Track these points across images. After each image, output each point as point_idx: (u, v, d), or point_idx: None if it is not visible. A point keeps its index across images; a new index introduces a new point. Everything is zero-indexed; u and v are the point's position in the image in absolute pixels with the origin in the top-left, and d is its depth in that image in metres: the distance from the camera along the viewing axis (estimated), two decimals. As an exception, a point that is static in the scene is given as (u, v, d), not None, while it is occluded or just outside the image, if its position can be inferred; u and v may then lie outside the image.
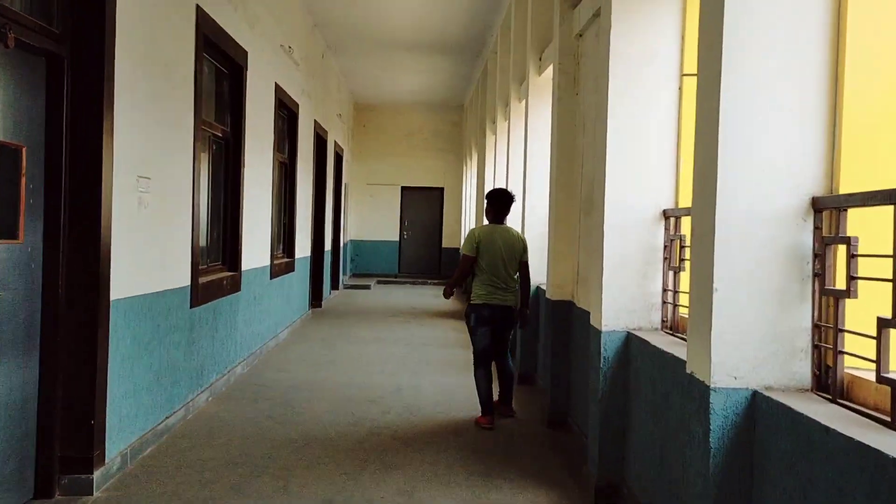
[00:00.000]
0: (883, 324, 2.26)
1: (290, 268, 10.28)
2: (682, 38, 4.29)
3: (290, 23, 9.86)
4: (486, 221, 6.18)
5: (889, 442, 2.02)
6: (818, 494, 2.23)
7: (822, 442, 2.23)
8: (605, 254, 4.26)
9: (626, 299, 4.26)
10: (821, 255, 2.67)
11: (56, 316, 4.09)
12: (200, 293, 6.05)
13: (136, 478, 4.50)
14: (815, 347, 2.70)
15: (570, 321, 5.84)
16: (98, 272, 4.21)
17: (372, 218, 20.78)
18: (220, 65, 6.93)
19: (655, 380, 3.73)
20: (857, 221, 2.59)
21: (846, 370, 2.57)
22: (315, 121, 12.27)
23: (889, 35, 2.77)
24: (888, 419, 2.22)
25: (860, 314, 2.54)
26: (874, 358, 2.30)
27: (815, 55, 2.75)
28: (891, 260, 2.21)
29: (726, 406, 2.70)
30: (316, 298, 13.26)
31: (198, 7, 5.82)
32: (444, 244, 20.89)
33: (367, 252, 20.82)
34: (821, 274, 2.67)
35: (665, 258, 4.25)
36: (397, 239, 20.95)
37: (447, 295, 6.29)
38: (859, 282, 2.46)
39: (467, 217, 17.30)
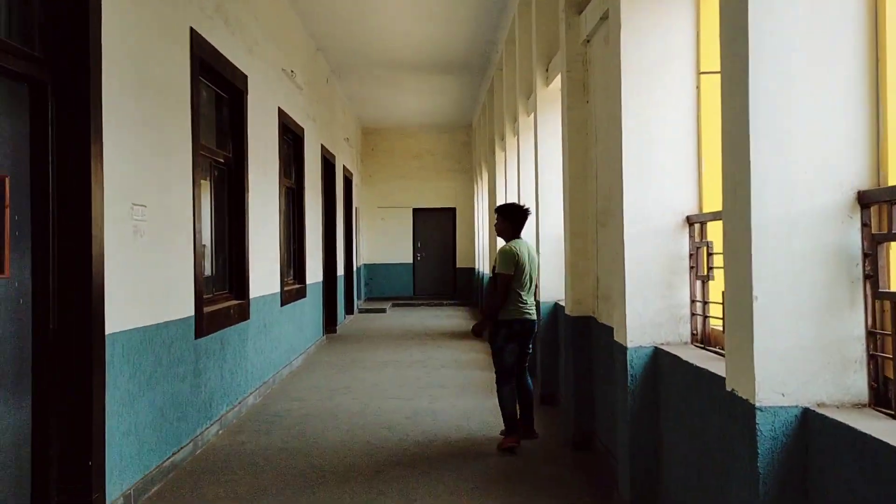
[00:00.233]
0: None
1: (301, 294, 10.06)
2: (697, 34, 4.05)
3: (291, 47, 9.73)
4: (498, 238, 5.95)
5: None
6: (890, 526, 1.95)
7: (890, 466, 1.95)
8: (626, 266, 4.00)
9: (652, 313, 3.99)
10: (871, 255, 2.40)
11: (48, 353, 3.87)
12: (206, 323, 5.83)
13: (140, 522, 4.26)
14: (871, 357, 2.42)
15: (591, 337, 5.57)
16: (91, 305, 3.99)
17: (385, 241, 20.57)
18: (218, 89, 6.77)
19: (689, 398, 3.45)
20: (911, 215, 2.33)
21: (908, 382, 2.29)
22: (322, 145, 12.11)
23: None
24: (966, 437, 1.94)
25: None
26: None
27: (852, 39, 2.50)
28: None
29: (774, 426, 2.42)
30: (330, 324, 13.04)
31: (192, 30, 5.65)
32: (459, 264, 20.64)
33: (381, 275, 20.60)
34: (872, 276, 2.40)
35: (691, 267, 3.98)
36: (411, 261, 20.72)
37: (481, 330, 5.85)
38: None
39: (480, 236, 17.06)
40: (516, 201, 6.62)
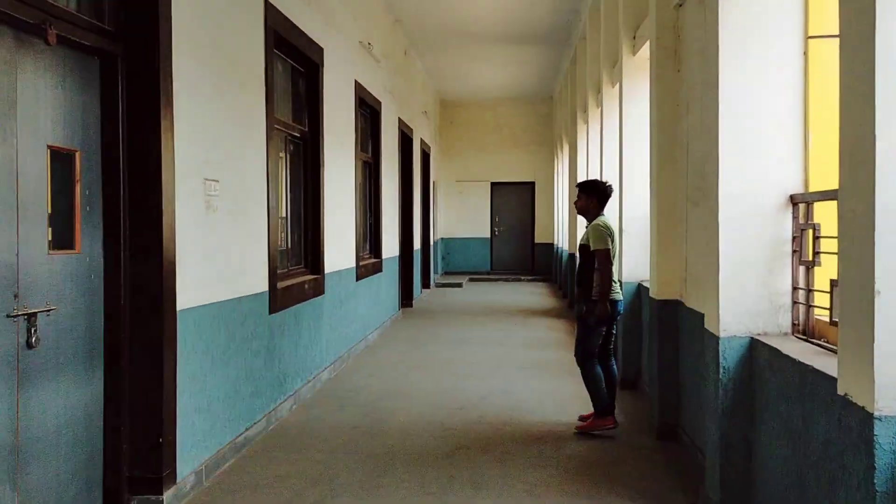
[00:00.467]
0: None
1: (377, 268, 10.01)
2: (806, -7, 3.66)
3: (368, 18, 9.57)
4: (579, 216, 5.66)
5: None
6: None
7: None
8: (720, 248, 3.67)
9: (749, 300, 3.66)
10: None
11: (119, 329, 3.85)
12: (280, 298, 5.78)
13: (210, 497, 4.23)
14: None
15: (677, 323, 5.24)
16: (163, 281, 3.95)
17: (462, 215, 20.40)
18: (294, 62, 6.66)
19: (791, 397, 3.13)
20: None
21: None
22: (399, 118, 11.96)
23: None
24: None
25: None
26: None
27: None
28: None
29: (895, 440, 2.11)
30: (406, 298, 13.00)
31: (266, 1, 5.53)
32: (537, 240, 20.28)
33: (458, 250, 20.47)
34: None
35: (794, 251, 3.62)
36: (489, 236, 20.49)
37: (603, 315, 5.33)
38: None
39: (560, 211, 16.66)
40: (598, 178, 6.27)
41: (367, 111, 9.82)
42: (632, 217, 6.68)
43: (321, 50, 7.03)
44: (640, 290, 6.64)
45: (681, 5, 5.22)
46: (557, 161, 17.70)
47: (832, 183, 3.51)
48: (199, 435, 4.41)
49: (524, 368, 7.82)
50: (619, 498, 4.21)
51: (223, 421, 4.76)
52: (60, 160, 3.52)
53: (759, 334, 3.65)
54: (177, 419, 4.12)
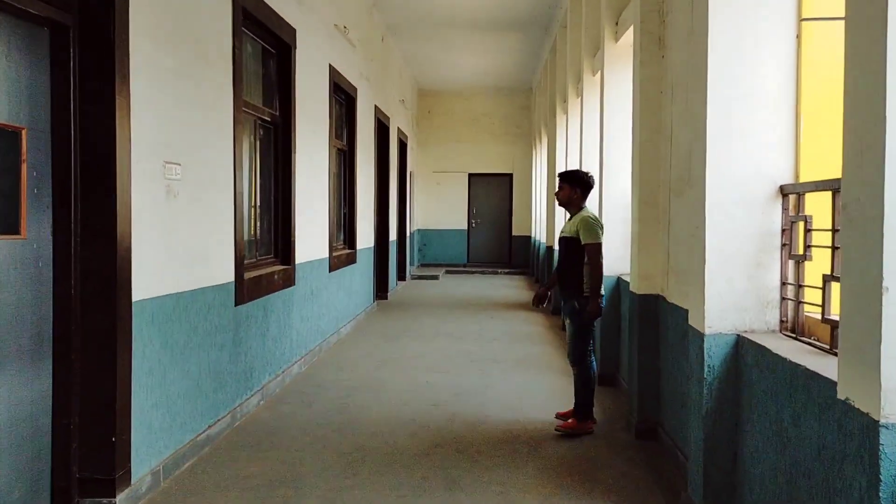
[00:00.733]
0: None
1: (351, 259, 9.77)
2: (799, -26, 3.49)
3: (344, 1, 9.29)
4: (561, 208, 5.49)
5: None
6: None
7: None
8: (707, 240, 3.50)
9: (735, 295, 3.50)
10: None
11: (69, 320, 3.60)
12: (247, 289, 5.54)
13: (167, 499, 4.00)
14: None
15: (658, 318, 5.08)
16: (117, 269, 3.70)
17: (439, 206, 20.17)
18: (264, 43, 6.39)
19: (780, 398, 2.97)
20: None
21: None
22: (376, 106, 11.70)
23: None
24: None
25: None
26: None
27: None
28: None
29: (904, 449, 1.95)
30: (381, 290, 12.77)
31: (235, -25, 5.28)
32: (514, 232, 20.12)
33: (434, 241, 20.25)
34: None
35: (783, 244, 3.46)
36: (465, 227, 20.30)
37: (598, 311, 5.17)
38: None
39: (538, 204, 16.50)
40: (579, 168, 6.06)
41: (342, 97, 9.56)
42: (612, 208, 6.51)
43: (293, 31, 6.77)
44: (620, 283, 6.48)
45: (666, -10, 5.04)
46: (536, 153, 17.53)
47: (824, 173, 3.36)
48: (156, 433, 4.17)
49: (500, 363, 7.65)
50: (597, 500, 4.04)
51: (183, 418, 4.52)
52: (5, 138, 3.26)
53: (745, 331, 3.49)
54: (132, 417, 3.88)
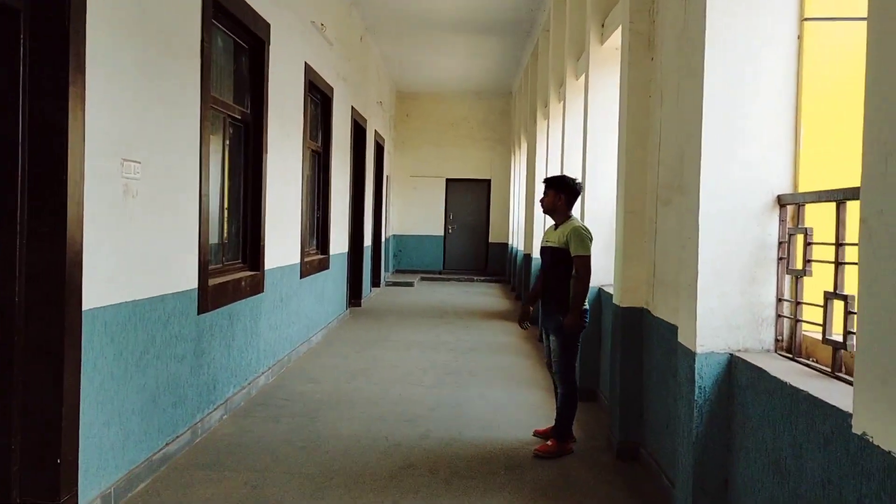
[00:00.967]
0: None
1: (324, 265, 9.48)
2: (800, -29, 3.31)
3: (322, -2, 9.04)
4: (544, 213, 5.25)
5: None
6: None
7: None
8: (699, 253, 3.29)
9: (729, 312, 3.29)
10: None
11: (11, 329, 3.31)
12: (211, 297, 5.25)
13: (118, 525, 3.71)
14: None
15: (643, 332, 4.87)
16: (66, 275, 3.40)
17: (415, 212, 19.91)
18: (236, 37, 6.11)
19: (778, 424, 2.76)
20: None
21: None
22: (353, 107, 11.44)
23: None
24: None
25: None
26: None
27: None
28: None
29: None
30: (355, 297, 12.48)
31: (204, -35, 5.00)
32: (492, 239, 19.92)
33: (410, 247, 19.99)
34: None
35: (780, 258, 3.27)
36: (442, 233, 20.05)
37: (577, 327, 4.95)
38: None
39: (516, 211, 16.32)
40: (565, 173, 5.79)
41: (318, 97, 9.28)
42: (595, 216, 6.30)
43: (268, 25, 6.50)
44: (602, 295, 6.27)
45: (655, -10, 4.85)
46: (515, 159, 17.35)
47: (822, 182, 3.17)
48: (107, 453, 3.87)
49: (476, 375, 7.41)
50: (579, 526, 3.81)
51: (138, 435, 4.22)
52: (-64, 130, 2.97)
53: (738, 350, 3.29)
54: (80, 435, 3.58)
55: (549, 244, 5.10)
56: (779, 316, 3.27)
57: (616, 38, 6.15)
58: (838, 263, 2.75)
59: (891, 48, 1.89)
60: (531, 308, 5.45)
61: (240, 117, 6.18)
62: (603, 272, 6.21)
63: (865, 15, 3.39)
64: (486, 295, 15.49)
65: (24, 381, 3.37)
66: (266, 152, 6.55)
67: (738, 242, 3.29)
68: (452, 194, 20.05)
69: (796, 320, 3.14)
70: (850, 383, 2.59)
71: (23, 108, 3.32)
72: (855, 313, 2.64)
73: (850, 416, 2.16)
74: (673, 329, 4.03)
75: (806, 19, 3.30)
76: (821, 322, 2.89)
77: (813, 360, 3.03)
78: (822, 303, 2.87)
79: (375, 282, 15.13)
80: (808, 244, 3.05)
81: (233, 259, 6.22)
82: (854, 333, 2.65)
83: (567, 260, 4.92)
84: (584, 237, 4.90)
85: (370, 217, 13.91)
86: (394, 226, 19.22)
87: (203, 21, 5.00)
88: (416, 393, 6.57)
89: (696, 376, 3.30)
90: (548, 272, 5.09)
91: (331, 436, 5.24)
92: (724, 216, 3.29)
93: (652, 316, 4.67)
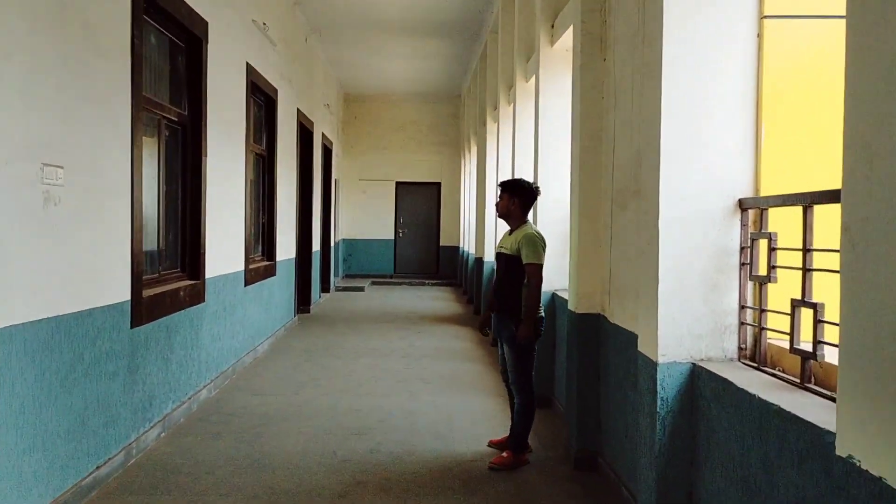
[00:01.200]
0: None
1: (270, 272, 9.17)
2: (757, -32, 3.20)
3: (265, -3, 8.73)
4: (498, 217, 5.08)
5: None
6: None
7: None
8: (660, 260, 3.16)
9: (691, 320, 3.17)
10: None
11: (-89, 354, 2.98)
12: (146, 309, 4.94)
13: (40, 562, 3.40)
14: None
15: (599, 339, 4.74)
16: (-25, 292, 3.10)
17: (365, 215, 19.61)
18: (171, 35, 5.80)
19: (746, 438, 2.63)
20: None
21: None
22: (298, 109, 11.13)
23: None
24: None
25: None
26: None
27: None
28: None
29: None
30: (304, 303, 12.16)
31: (134, -43, 4.70)
32: (442, 242, 19.75)
33: (360, 251, 19.68)
34: None
35: (743, 264, 3.15)
36: (392, 237, 19.80)
37: (531, 336, 4.75)
38: None
39: (466, 214, 16.19)
40: (521, 177, 5.58)
41: (262, 98, 8.97)
42: (547, 221, 6.16)
43: (205, 23, 6.20)
44: (556, 300, 6.14)
45: (607, -11, 4.73)
46: (465, 161, 17.23)
47: (788, 186, 3.07)
48: (29, 481, 3.56)
49: (429, 383, 7.21)
50: (537, 546, 3.64)
51: (65, 460, 3.91)
52: None
53: (701, 360, 3.17)
54: (-6, 465, 3.27)
55: (502, 250, 4.93)
56: (742, 323, 3.15)
57: (567, 39, 6.03)
58: (806, 270, 2.64)
59: (871, 44, 1.76)
60: (491, 314, 5.24)
61: (177, 119, 5.87)
62: (557, 277, 6.09)
63: (825, 13, 3.32)
64: (437, 299, 15.30)
65: (-71, 408, 3.05)
66: (206, 156, 6.24)
67: (699, 248, 3.17)
68: (402, 198, 19.83)
69: (760, 328, 3.03)
70: (823, 396, 2.48)
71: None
72: (826, 322, 2.53)
73: (829, 433, 2.03)
74: (631, 336, 3.90)
75: (765, 17, 3.20)
76: (786, 330, 2.78)
77: (779, 370, 2.92)
78: (788, 310, 2.76)
79: (325, 287, 14.82)
80: (772, 249, 2.93)
81: (171, 268, 5.90)
82: (825, 343, 2.53)
83: (520, 267, 4.75)
84: (536, 244, 4.73)
85: (318, 221, 13.60)
86: (343, 230, 18.91)
87: (133, 16, 4.70)
88: (366, 403, 6.34)
89: (658, 387, 3.16)
90: (501, 279, 4.92)
91: (276, 452, 4.98)
92: (685, 221, 3.17)
93: (609, 322, 4.53)
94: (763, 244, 3.02)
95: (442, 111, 19.47)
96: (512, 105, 8.60)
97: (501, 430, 5.46)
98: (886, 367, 1.66)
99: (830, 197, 2.53)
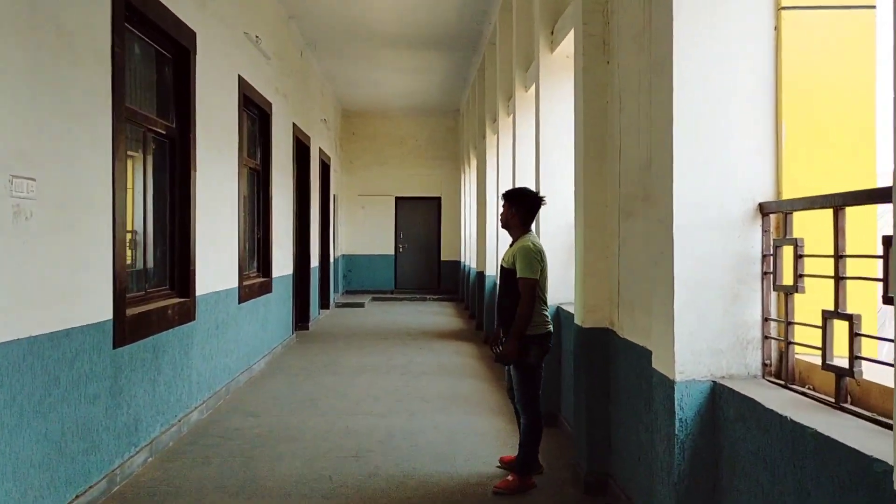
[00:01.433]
0: None
1: (266, 289, 8.93)
2: (775, -44, 2.99)
3: (257, 9, 8.54)
4: (504, 229, 4.84)
5: None
6: None
7: None
8: (675, 270, 2.92)
9: (710, 334, 2.92)
10: None
11: None
12: (130, 328, 4.70)
13: None
14: None
15: (608, 354, 4.49)
16: (-65, 313, 2.86)
17: (365, 231, 19.39)
18: (157, 45, 5.60)
19: (778, 464, 2.38)
20: None
21: None
22: (294, 124, 10.94)
23: None
24: None
25: None
26: None
27: None
28: None
29: None
30: (302, 320, 11.92)
31: (115, -39, 4.50)
32: (443, 257, 19.50)
33: (360, 267, 19.44)
34: None
35: (765, 273, 2.91)
36: (393, 252, 19.57)
37: (514, 355, 4.52)
38: None
39: (468, 228, 15.96)
40: (524, 186, 5.31)
41: (255, 112, 8.77)
42: (551, 231, 5.93)
43: (193, 34, 5.99)
44: (561, 314, 5.89)
45: (610, -11, 4.53)
46: (464, 176, 17.03)
47: (812, 188, 2.84)
48: (-2, 516, 3.31)
49: (430, 401, 6.95)
50: (546, 580, 3.38)
51: (39, 490, 3.66)
52: None
53: (722, 377, 2.92)
54: (-43, 500, 3.02)
55: (503, 264, 4.70)
56: (766, 337, 2.91)
57: (567, 45, 5.83)
58: (839, 278, 2.40)
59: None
60: (500, 330, 4.95)
61: (164, 132, 5.65)
62: (561, 289, 5.84)
63: (845, 3, 3.10)
64: (438, 314, 15.04)
65: None
66: (195, 170, 6.02)
67: (716, 257, 2.93)
68: (402, 213, 19.61)
69: (787, 342, 2.78)
70: (864, 417, 2.23)
71: None
72: (863, 335, 2.28)
73: (879, 461, 1.79)
74: (643, 352, 3.66)
75: (783, 8, 2.98)
76: (816, 344, 2.54)
77: (809, 388, 2.67)
78: (817, 322, 2.52)
79: (324, 303, 14.57)
80: (798, 257, 2.70)
81: (159, 285, 5.67)
82: (863, 359, 2.29)
83: (516, 282, 4.52)
84: (530, 257, 4.48)
85: (317, 237, 13.38)
86: (343, 246, 18.68)
87: (114, 24, 4.49)
88: (364, 424, 6.08)
89: (676, 407, 2.91)
90: (502, 295, 4.68)
91: (268, 477, 4.72)
92: (700, 228, 2.94)
93: (618, 337, 4.29)
94: (787, 251, 2.78)
95: (441, 125, 19.31)
96: (511, 116, 8.39)
97: (507, 450, 5.21)
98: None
99: (865, 197, 2.30)
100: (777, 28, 2.97)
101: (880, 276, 2.21)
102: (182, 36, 5.76)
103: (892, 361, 2.01)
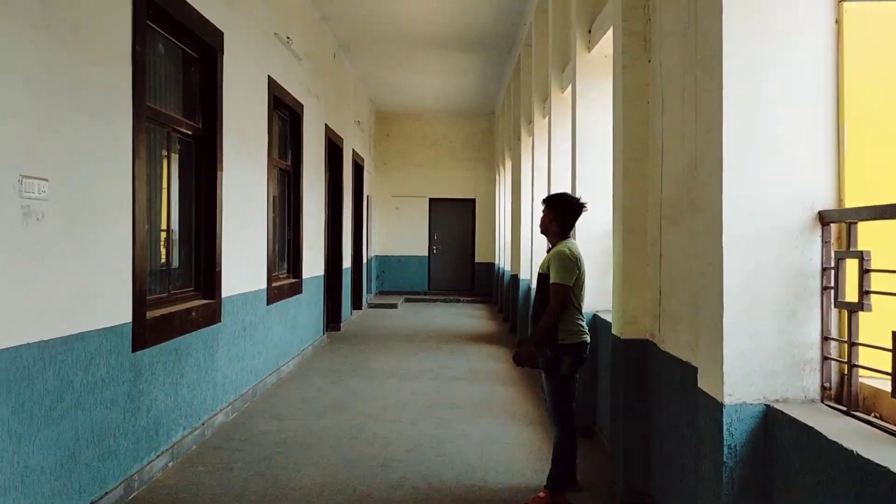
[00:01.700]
0: None
1: (296, 290, 8.80)
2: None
3: (288, 10, 8.41)
4: (542, 235, 4.61)
5: None
6: None
7: None
8: (725, 283, 2.68)
9: (763, 354, 2.67)
10: None
11: None
12: (150, 331, 4.58)
13: None
14: None
15: (648, 368, 4.24)
16: (-60, 318, 2.74)
17: (399, 232, 19.25)
18: (183, 44, 5.47)
19: (839, 499, 2.13)
20: None
21: None
22: (326, 125, 10.81)
23: None
24: None
25: None
26: None
27: None
28: None
29: None
30: (334, 321, 11.81)
31: (137, -44, 4.37)
32: (478, 259, 19.29)
33: (394, 268, 19.30)
34: None
35: (825, 288, 2.65)
36: (426, 254, 19.40)
37: (527, 358, 4.37)
38: None
39: (502, 230, 15.72)
40: (566, 192, 5.05)
41: (286, 113, 8.65)
42: (587, 237, 5.68)
43: (220, 33, 5.87)
44: (597, 322, 5.64)
45: (652, -18, 4.28)
46: (499, 178, 16.80)
47: (878, 196, 2.58)
48: (5, 527, 3.19)
49: (460, 408, 6.74)
50: None
51: (51, 498, 3.54)
52: None
53: (776, 401, 2.67)
54: (-38, 513, 2.90)
55: (540, 270, 4.48)
56: (826, 358, 2.65)
57: (605, 44, 5.59)
58: (915, 296, 2.14)
59: None
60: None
61: (190, 132, 5.54)
62: (598, 297, 5.60)
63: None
64: (472, 317, 14.83)
65: None
66: (221, 170, 5.90)
67: (771, 270, 2.68)
68: (436, 214, 19.44)
69: (850, 364, 2.52)
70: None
71: None
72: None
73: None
74: (687, 368, 3.41)
75: (844, 0, 2.71)
76: (886, 369, 2.28)
77: (875, 416, 2.41)
78: (886, 344, 2.26)
79: (357, 304, 14.46)
80: (864, 271, 2.43)
81: (183, 287, 5.55)
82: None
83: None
84: (564, 263, 4.24)
85: (349, 238, 13.26)
86: (376, 247, 18.57)
87: (135, 22, 4.36)
88: (392, 430, 5.90)
89: (725, 432, 2.67)
90: (537, 302, 4.46)
91: (291, 486, 4.57)
92: (753, 238, 2.69)
93: (659, 350, 4.03)
94: (851, 264, 2.53)
95: (476, 127, 19.10)
96: (547, 117, 8.15)
97: (540, 463, 4.99)
98: None
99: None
100: (839, 21, 2.71)
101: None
102: (208, 35, 5.64)
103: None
